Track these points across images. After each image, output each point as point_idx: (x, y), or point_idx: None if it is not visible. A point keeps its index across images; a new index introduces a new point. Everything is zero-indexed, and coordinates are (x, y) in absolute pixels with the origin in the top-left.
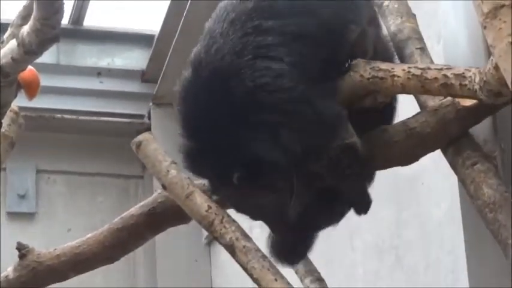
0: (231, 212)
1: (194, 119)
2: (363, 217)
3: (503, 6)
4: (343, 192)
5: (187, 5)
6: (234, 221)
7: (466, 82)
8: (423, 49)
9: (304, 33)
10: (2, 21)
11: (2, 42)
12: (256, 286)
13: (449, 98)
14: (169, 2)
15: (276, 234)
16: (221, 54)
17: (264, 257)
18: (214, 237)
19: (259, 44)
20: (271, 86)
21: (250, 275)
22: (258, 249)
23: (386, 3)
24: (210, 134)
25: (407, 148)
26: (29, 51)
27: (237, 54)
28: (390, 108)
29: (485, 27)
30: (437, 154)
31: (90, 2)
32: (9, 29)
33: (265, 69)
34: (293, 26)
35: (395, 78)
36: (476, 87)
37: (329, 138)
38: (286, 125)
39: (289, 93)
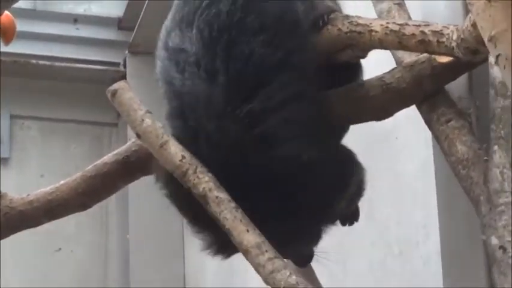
0: None
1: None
2: None
3: None
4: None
5: None
6: (207, 171)
7: (444, 39)
8: (401, 4)
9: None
10: None
11: None
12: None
13: (425, 54)
14: None
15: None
16: (245, 131)
17: (236, 208)
18: (187, 187)
19: (280, 104)
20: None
21: (223, 226)
22: (230, 200)
23: None
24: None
25: (383, 103)
26: None
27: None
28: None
29: None
30: (412, 110)
31: None
32: None
33: (298, 135)
34: (282, 88)
35: (373, 33)
36: (454, 44)
37: (349, 180)
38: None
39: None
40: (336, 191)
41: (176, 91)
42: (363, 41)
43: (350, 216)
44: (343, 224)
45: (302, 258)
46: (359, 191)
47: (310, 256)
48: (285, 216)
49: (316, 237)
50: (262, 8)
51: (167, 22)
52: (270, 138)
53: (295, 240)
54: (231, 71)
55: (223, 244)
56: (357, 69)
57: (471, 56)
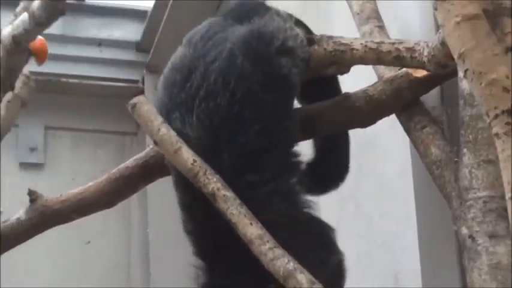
0: None
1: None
2: None
3: None
4: None
5: None
6: (215, 173)
7: (416, 55)
8: (382, 27)
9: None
10: None
11: (16, 16)
12: None
13: (403, 70)
14: None
15: None
16: None
17: (241, 205)
18: (198, 187)
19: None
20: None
21: (229, 220)
22: (235, 198)
23: None
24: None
25: (367, 112)
26: (39, 23)
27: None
28: (336, 80)
29: (436, 9)
30: (392, 118)
31: None
32: (21, 3)
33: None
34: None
35: (354, 51)
36: (425, 59)
37: (329, 256)
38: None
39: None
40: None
41: None
42: (345, 58)
43: None
44: None
45: None
46: (338, 274)
47: None
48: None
49: None
50: (260, 101)
51: (163, 96)
52: (258, 202)
53: None
54: (232, 156)
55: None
56: (336, 83)
57: (440, 69)
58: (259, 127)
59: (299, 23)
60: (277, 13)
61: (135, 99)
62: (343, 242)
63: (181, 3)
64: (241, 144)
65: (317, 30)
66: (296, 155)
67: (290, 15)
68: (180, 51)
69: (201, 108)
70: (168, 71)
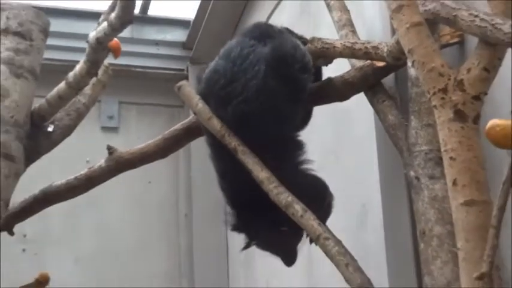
0: None
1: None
2: (315, 130)
3: (403, 5)
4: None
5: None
6: (235, 135)
7: (379, 51)
8: (354, 31)
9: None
10: (100, 10)
11: (98, 24)
12: None
13: (368, 61)
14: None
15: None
16: None
17: (255, 156)
18: (224, 144)
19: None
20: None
21: (246, 166)
22: (251, 152)
23: (332, 2)
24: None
25: (343, 91)
26: (115, 29)
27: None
28: (320, 70)
29: (392, 18)
30: (361, 95)
31: None
32: (102, 15)
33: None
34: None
35: (336, 49)
36: (385, 54)
37: (323, 199)
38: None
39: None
40: (314, 206)
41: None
42: (329, 53)
43: None
44: (310, 242)
45: (289, 257)
46: (328, 210)
47: (295, 256)
48: (274, 225)
49: (297, 241)
50: (284, 110)
51: (205, 88)
52: (273, 172)
53: (282, 242)
54: (256, 141)
55: (244, 224)
56: (320, 71)
57: (395, 61)
58: (280, 125)
59: (292, 32)
60: (280, 31)
61: (180, 83)
62: (327, 181)
63: (215, 16)
64: (264, 135)
65: (309, 34)
66: (299, 136)
67: (287, 29)
68: (220, 63)
69: (238, 108)
70: (210, 73)
